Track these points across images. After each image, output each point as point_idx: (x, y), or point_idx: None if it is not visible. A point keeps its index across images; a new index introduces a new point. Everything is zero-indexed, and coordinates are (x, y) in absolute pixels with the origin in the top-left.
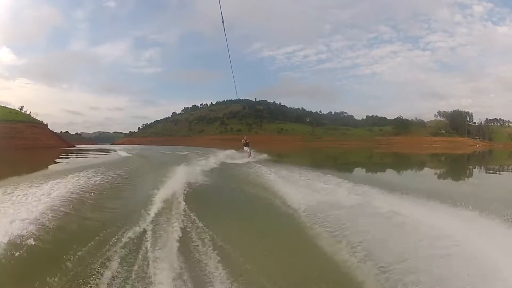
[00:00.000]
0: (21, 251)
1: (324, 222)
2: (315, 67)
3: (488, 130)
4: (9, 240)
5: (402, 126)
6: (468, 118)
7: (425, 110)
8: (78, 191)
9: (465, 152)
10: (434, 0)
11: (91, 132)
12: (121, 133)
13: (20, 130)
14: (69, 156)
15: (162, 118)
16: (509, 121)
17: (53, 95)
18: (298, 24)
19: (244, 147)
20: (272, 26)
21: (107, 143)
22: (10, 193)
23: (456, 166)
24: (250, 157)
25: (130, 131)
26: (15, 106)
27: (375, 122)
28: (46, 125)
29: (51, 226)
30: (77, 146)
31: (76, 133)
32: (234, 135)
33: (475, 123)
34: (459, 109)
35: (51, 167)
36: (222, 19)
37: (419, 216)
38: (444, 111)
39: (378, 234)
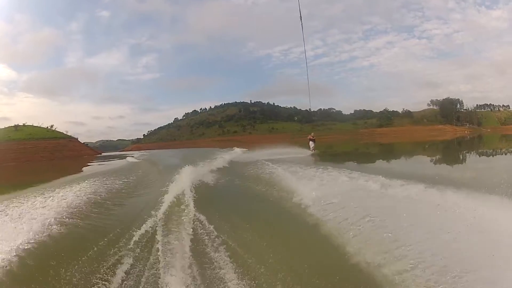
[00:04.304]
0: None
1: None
2: (312, 62)
3: (477, 116)
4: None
5: (385, 118)
6: (458, 105)
7: (424, 99)
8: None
9: (442, 138)
10: None
11: (94, 141)
12: (125, 140)
13: (63, 144)
14: (107, 160)
15: (165, 124)
16: (499, 105)
17: (55, 108)
18: (291, 21)
19: (310, 142)
20: (266, 27)
21: (112, 151)
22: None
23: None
24: (313, 150)
25: (137, 138)
26: (19, 121)
27: (362, 116)
28: (77, 138)
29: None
30: (102, 153)
31: (84, 143)
32: (231, 136)
33: (466, 109)
34: (453, 97)
35: (101, 166)
36: (300, 15)
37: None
38: (437, 100)
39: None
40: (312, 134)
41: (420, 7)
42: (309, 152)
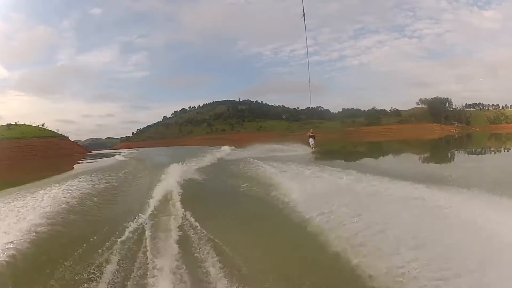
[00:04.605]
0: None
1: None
2: (302, 61)
3: (466, 115)
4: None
5: (373, 116)
6: (447, 104)
7: (413, 98)
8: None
9: (430, 137)
10: None
11: (83, 140)
12: (114, 138)
13: (55, 143)
14: (97, 158)
15: (154, 122)
16: (489, 105)
17: (46, 106)
18: (283, 20)
19: (310, 139)
20: (258, 25)
21: (101, 149)
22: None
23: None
24: (313, 148)
25: (126, 136)
26: (11, 119)
27: (349, 114)
28: (67, 137)
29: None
30: (92, 151)
31: (74, 141)
32: (219, 134)
33: (455, 108)
34: (443, 96)
35: (91, 164)
36: (304, 13)
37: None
38: (425, 99)
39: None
40: (311, 130)
41: (412, 7)
42: (309, 150)
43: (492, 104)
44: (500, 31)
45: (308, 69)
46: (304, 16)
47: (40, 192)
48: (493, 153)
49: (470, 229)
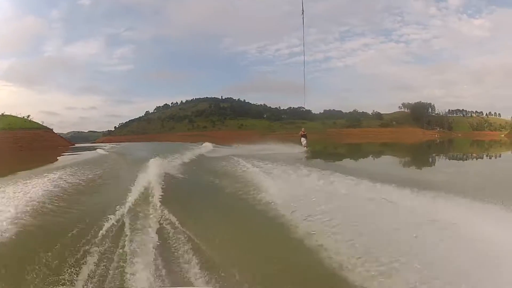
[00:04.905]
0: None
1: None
2: (287, 61)
3: (448, 120)
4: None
5: (354, 119)
6: (430, 109)
7: (397, 102)
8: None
9: (411, 141)
10: None
11: (66, 132)
12: (96, 131)
13: (41, 135)
14: (79, 151)
15: (136, 117)
16: (472, 111)
17: (32, 97)
18: (269, 19)
19: (302, 139)
20: (244, 23)
21: (83, 142)
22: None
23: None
24: (306, 147)
25: (108, 130)
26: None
27: (331, 116)
28: (52, 129)
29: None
30: (75, 144)
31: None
32: (200, 131)
33: (438, 114)
34: (427, 101)
35: (73, 157)
36: (303, 11)
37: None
38: (408, 103)
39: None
40: (303, 129)
41: (401, 12)
42: (302, 149)
43: (476, 111)
44: (489, 38)
45: (304, 69)
46: (303, 14)
47: (21, 184)
48: (471, 159)
49: (429, 226)
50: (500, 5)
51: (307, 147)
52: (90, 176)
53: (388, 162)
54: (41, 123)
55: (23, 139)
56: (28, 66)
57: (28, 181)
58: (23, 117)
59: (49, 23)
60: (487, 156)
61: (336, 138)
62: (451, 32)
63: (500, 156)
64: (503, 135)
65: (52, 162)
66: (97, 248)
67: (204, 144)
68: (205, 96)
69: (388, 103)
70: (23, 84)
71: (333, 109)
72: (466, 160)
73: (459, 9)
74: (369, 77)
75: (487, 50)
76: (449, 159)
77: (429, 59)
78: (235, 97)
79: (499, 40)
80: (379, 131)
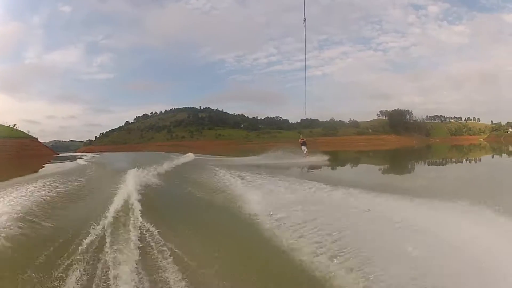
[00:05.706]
0: None
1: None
2: (264, 70)
3: (426, 126)
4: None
5: (331, 127)
6: (408, 116)
7: (375, 109)
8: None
9: (386, 148)
10: (386, 1)
11: (47, 141)
12: (77, 141)
13: (27, 144)
14: (63, 161)
15: (116, 126)
16: (450, 117)
17: (13, 105)
18: (247, 29)
19: (302, 147)
20: (222, 32)
21: (64, 152)
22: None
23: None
24: (307, 155)
25: (89, 140)
26: None
27: (308, 124)
28: (37, 139)
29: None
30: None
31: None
32: (179, 141)
33: (415, 120)
34: (406, 108)
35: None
36: (304, 19)
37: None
38: (386, 110)
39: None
40: (301, 136)
41: (379, 20)
42: (304, 158)
43: (455, 116)
44: (468, 45)
45: (305, 78)
46: (304, 21)
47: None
48: (442, 164)
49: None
50: (480, 11)
51: (308, 155)
52: (74, 186)
53: (360, 169)
54: (27, 132)
55: (11, 148)
56: (9, 73)
57: (20, 189)
58: (9, 125)
59: (30, 29)
60: (458, 161)
61: (312, 146)
62: (430, 39)
63: (477, 161)
64: (482, 139)
65: (37, 171)
66: (79, 260)
67: (187, 155)
68: (183, 106)
69: (366, 111)
70: (3, 91)
71: (310, 118)
72: (440, 165)
73: (438, 16)
74: (347, 85)
75: (466, 56)
76: (422, 165)
77: (408, 66)
78: (214, 107)
79: (479, 45)
80: (355, 138)
